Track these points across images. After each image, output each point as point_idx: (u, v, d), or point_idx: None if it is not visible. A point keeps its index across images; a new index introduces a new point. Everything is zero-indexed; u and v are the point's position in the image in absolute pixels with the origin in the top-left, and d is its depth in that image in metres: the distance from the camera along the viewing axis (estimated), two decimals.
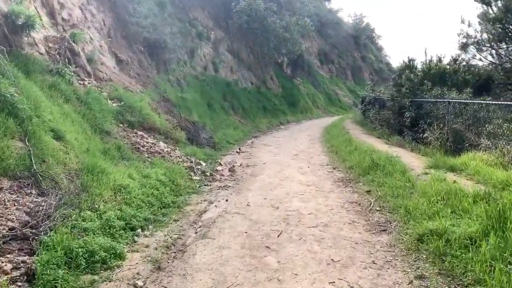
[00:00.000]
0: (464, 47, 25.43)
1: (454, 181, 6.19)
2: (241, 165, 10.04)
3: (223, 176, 8.78)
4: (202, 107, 16.79)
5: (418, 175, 7.15)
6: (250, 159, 11.00)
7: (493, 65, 14.74)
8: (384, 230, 5.19)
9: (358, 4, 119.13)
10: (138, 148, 8.55)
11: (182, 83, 16.88)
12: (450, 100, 9.74)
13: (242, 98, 22.12)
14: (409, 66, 12.54)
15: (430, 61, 12.18)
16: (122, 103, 9.68)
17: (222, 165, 9.89)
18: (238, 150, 12.49)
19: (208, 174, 8.70)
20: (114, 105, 9.44)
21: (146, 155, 8.42)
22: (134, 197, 5.89)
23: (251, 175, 8.83)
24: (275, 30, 24.68)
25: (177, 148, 10.02)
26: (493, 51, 18.42)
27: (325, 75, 44.19)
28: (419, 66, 12.87)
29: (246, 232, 5.20)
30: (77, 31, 10.17)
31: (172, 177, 7.49)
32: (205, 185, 7.93)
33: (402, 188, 6.45)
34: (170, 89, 14.82)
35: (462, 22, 26.39)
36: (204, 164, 9.54)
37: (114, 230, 4.78)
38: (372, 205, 6.23)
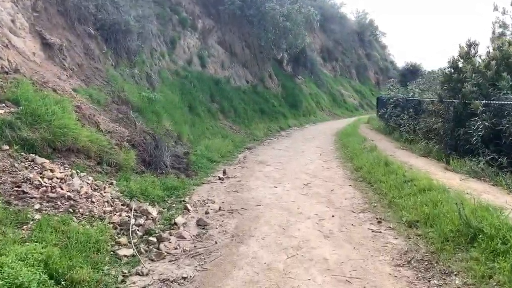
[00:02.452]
0: (499, 37, 21.60)
1: None
2: (220, 209, 6.10)
3: (183, 240, 4.83)
4: (180, 110, 12.85)
5: None
6: (238, 193, 7.07)
7: None
8: None
9: (360, 2, 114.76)
10: (25, 192, 4.61)
11: (154, 80, 12.93)
12: None
13: (234, 99, 18.19)
14: (467, 54, 8.64)
15: (501, 45, 8.28)
16: (20, 108, 5.74)
17: (188, 210, 5.95)
18: (222, 175, 8.54)
19: (154, 238, 4.76)
20: (0, 111, 5.50)
21: (37, 207, 4.49)
22: None
23: (234, 238, 4.88)
24: (274, 18, 20.71)
25: (114, 181, 6.07)
26: None
27: (329, 74, 40.29)
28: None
29: None
30: None
31: (61, 265, 3.58)
32: (138, 273, 3.97)
33: None
34: (132, 87, 10.87)
35: (495, 9, 22.61)
36: (155, 212, 5.60)
37: None
38: None
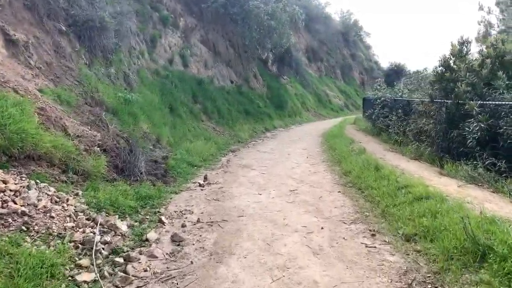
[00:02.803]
0: (485, 37, 21.52)
1: None
2: (198, 221, 5.54)
3: (154, 260, 4.27)
4: (160, 112, 12.22)
5: None
6: (219, 202, 6.51)
7: None
8: None
9: (345, 2, 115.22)
10: None
11: (132, 80, 12.28)
12: None
13: (218, 99, 17.61)
14: (460, 52, 8.24)
15: (495, 42, 7.89)
16: None
17: (162, 223, 5.38)
18: (203, 181, 7.98)
19: (121, 259, 4.18)
20: None
21: None
22: None
23: (213, 257, 4.33)
24: (258, 17, 20.22)
25: (80, 192, 5.45)
26: None
27: (314, 74, 40.00)
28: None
29: None
30: None
31: None
32: None
33: None
34: (108, 87, 10.22)
35: (481, 8, 22.51)
36: (125, 226, 5.01)
37: None
38: None
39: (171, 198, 6.73)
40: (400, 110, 11.05)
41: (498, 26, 19.65)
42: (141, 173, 7.21)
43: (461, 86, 7.16)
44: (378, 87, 16.38)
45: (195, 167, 9.44)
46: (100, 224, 4.72)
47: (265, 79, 25.84)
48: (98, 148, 6.76)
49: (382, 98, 13.42)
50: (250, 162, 10.33)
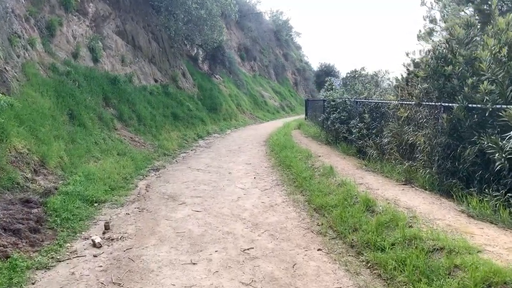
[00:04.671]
0: (430, 34, 20.47)
1: None
2: None
3: None
4: (52, 121, 8.88)
5: None
6: None
7: None
8: None
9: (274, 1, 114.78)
10: None
11: (10, 78, 8.80)
12: None
13: (138, 102, 14.40)
14: (467, 37, 6.03)
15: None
16: None
17: None
18: (101, 235, 5.01)
19: None
20: None
21: None
22: None
23: None
24: (185, 5, 17.28)
25: None
26: None
27: (248, 74, 37.73)
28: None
29: None
30: None
31: None
32: None
33: None
34: None
35: (423, 4, 21.50)
36: None
37: None
38: None
39: (32, 283, 3.71)
40: (366, 115, 8.84)
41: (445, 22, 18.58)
42: None
43: (485, 83, 4.97)
44: (329, 86, 14.26)
45: (95, 204, 6.38)
46: None
47: (196, 78, 22.90)
48: None
49: (339, 100, 11.19)
50: (179, 190, 7.47)
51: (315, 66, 61.63)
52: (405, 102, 7.23)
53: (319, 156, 9.25)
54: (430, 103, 6.39)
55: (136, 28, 17.87)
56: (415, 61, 9.13)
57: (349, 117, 10.26)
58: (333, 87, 14.00)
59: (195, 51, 25.74)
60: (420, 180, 6.16)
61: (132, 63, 16.64)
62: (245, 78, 34.14)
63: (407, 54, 17.11)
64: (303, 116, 27.11)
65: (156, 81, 18.03)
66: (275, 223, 5.39)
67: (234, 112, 25.44)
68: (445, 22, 20.41)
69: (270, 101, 37.30)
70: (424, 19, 20.25)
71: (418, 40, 21.41)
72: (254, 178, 8.38)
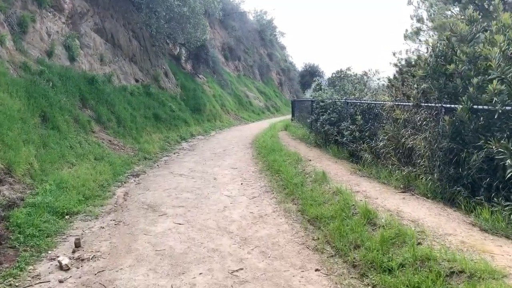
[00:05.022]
0: (417, 33, 20.25)
1: None
2: None
3: None
4: (22, 124, 8.17)
5: None
6: None
7: None
8: None
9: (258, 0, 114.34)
10: None
11: None
12: None
13: (117, 103, 13.70)
14: (470, 33, 5.58)
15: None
16: None
17: None
18: (71, 254, 4.42)
19: None
20: None
21: None
22: None
23: None
24: (167, 1, 16.61)
25: None
26: None
27: (232, 74, 37.15)
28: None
29: None
30: None
31: None
32: None
33: None
34: None
35: (409, 3, 21.29)
36: None
37: None
38: None
39: None
40: (359, 117, 8.41)
41: (432, 21, 18.43)
42: None
43: (492, 84, 4.57)
44: (317, 86, 13.82)
45: (67, 217, 5.75)
46: None
47: (179, 78, 22.23)
48: None
49: (329, 101, 10.73)
50: (159, 198, 6.89)
51: (299, 66, 61.55)
52: (402, 103, 6.80)
53: (310, 160, 8.78)
54: (430, 104, 5.97)
55: (116, 25, 17.14)
56: (409, 60, 8.73)
57: (340, 118, 9.82)
58: (321, 87, 13.56)
59: (178, 50, 25.05)
60: (421, 187, 5.73)
61: (111, 62, 15.91)
62: (229, 78, 33.57)
63: (394, 54, 16.78)
64: (289, 116, 26.71)
65: (137, 81, 17.33)
66: (266, 237, 4.88)
67: (219, 113, 24.86)
68: (432, 22, 20.30)
69: (255, 101, 36.81)
70: (411, 18, 20.05)
71: (405, 40, 21.24)
72: (241, 184, 7.86)
